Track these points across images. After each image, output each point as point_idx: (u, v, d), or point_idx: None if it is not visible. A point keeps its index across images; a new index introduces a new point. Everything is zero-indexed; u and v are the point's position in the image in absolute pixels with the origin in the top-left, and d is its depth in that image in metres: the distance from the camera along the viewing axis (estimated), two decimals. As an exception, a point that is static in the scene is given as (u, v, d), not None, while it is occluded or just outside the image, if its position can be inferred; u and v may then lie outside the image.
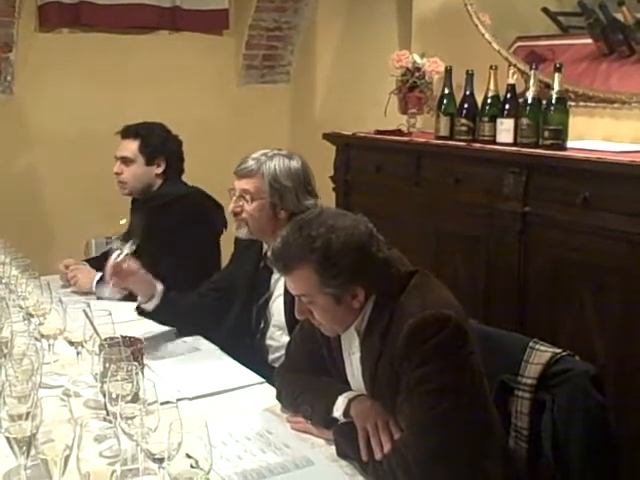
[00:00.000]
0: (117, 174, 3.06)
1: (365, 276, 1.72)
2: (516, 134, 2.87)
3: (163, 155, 3.05)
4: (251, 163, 2.36)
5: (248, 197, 2.35)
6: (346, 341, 1.84)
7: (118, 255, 2.29)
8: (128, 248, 2.31)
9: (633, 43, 2.82)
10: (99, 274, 2.84)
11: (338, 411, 1.78)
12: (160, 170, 3.06)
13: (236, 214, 2.39)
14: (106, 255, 2.80)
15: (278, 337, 2.43)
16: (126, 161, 3.04)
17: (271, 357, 2.45)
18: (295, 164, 2.37)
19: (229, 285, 2.54)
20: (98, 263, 3.04)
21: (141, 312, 2.43)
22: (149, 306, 2.40)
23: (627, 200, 2.40)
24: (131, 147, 3.04)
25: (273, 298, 2.45)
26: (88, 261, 3.15)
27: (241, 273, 2.53)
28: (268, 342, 2.46)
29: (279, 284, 2.40)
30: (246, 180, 2.36)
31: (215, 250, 3.01)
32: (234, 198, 2.39)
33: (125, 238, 3.32)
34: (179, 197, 3.00)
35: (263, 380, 2.12)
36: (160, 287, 2.40)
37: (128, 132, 3.07)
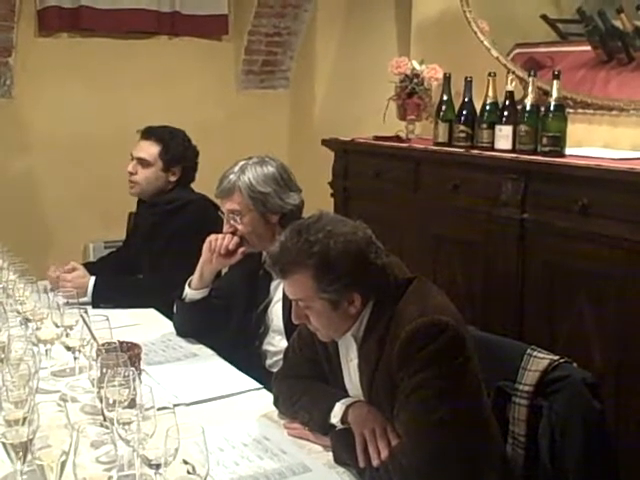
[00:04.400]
0: (130, 173, 3.04)
1: (362, 282, 1.72)
2: (514, 141, 2.87)
3: (180, 165, 3.05)
4: (226, 182, 2.39)
5: (237, 216, 2.39)
6: (344, 347, 1.84)
7: None
8: None
9: (632, 50, 2.82)
10: (93, 278, 2.83)
11: (336, 417, 1.78)
12: (174, 178, 3.06)
13: (233, 234, 2.40)
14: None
15: (277, 342, 2.43)
16: (143, 163, 3.02)
17: (268, 362, 2.45)
18: (268, 168, 2.40)
19: (228, 293, 2.55)
20: (95, 268, 3.04)
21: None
22: (197, 295, 2.48)
23: (625, 207, 2.40)
24: (152, 150, 3.02)
25: (272, 303, 2.46)
26: (86, 265, 3.14)
27: (240, 280, 2.54)
28: (266, 347, 2.47)
29: (278, 290, 2.42)
30: (228, 201, 2.39)
31: None
32: (225, 220, 2.43)
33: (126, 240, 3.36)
34: (186, 203, 3.00)
35: (260, 386, 2.12)
36: None
37: (151, 134, 3.05)
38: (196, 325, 2.48)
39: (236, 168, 2.40)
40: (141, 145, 3.05)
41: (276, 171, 2.40)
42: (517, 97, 2.94)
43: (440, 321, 1.64)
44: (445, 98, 3.19)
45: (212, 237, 2.44)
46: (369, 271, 1.73)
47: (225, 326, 2.51)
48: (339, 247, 1.70)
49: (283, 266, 1.75)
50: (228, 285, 2.58)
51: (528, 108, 2.82)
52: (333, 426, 1.78)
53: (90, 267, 3.02)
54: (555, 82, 2.74)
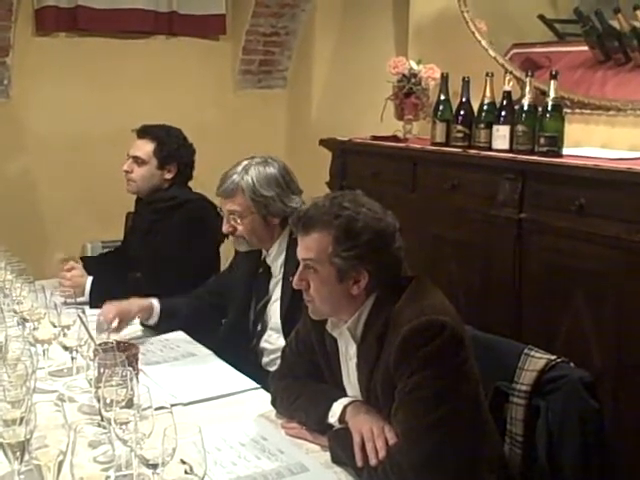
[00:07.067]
0: (126, 172, 3.05)
1: (375, 263, 1.74)
2: (512, 141, 2.87)
3: (176, 162, 3.05)
4: (229, 182, 2.38)
5: (237, 217, 2.38)
6: (343, 347, 1.84)
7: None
8: None
9: (629, 50, 2.82)
10: (90, 278, 2.83)
11: (333, 417, 1.78)
12: (170, 176, 3.06)
13: (231, 234, 2.41)
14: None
15: (274, 340, 2.43)
16: (138, 161, 3.03)
17: (265, 360, 2.45)
18: (272, 170, 2.38)
19: (227, 290, 2.56)
20: (93, 266, 3.04)
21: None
22: (150, 322, 2.52)
23: (622, 207, 2.40)
24: (146, 148, 3.03)
25: (271, 302, 2.46)
26: (83, 260, 3.14)
27: (240, 278, 2.55)
28: (263, 345, 2.48)
29: (277, 288, 2.43)
30: (230, 201, 2.38)
31: (214, 256, 3.01)
32: (224, 219, 2.42)
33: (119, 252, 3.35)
34: (183, 201, 3.00)
35: (258, 386, 2.12)
36: (157, 305, 2.50)
37: (145, 132, 3.06)
38: (184, 326, 2.53)
39: (239, 168, 2.39)
40: (137, 144, 3.07)
41: (278, 173, 2.39)
42: (514, 97, 2.94)
43: (438, 321, 1.64)
44: (443, 98, 3.19)
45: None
46: (385, 256, 1.75)
47: (220, 322, 2.52)
48: (367, 220, 1.74)
49: (308, 220, 1.77)
50: (228, 283, 2.58)
51: (525, 108, 2.82)
52: (331, 426, 1.78)
53: (88, 262, 3.03)
54: (552, 82, 2.74)
